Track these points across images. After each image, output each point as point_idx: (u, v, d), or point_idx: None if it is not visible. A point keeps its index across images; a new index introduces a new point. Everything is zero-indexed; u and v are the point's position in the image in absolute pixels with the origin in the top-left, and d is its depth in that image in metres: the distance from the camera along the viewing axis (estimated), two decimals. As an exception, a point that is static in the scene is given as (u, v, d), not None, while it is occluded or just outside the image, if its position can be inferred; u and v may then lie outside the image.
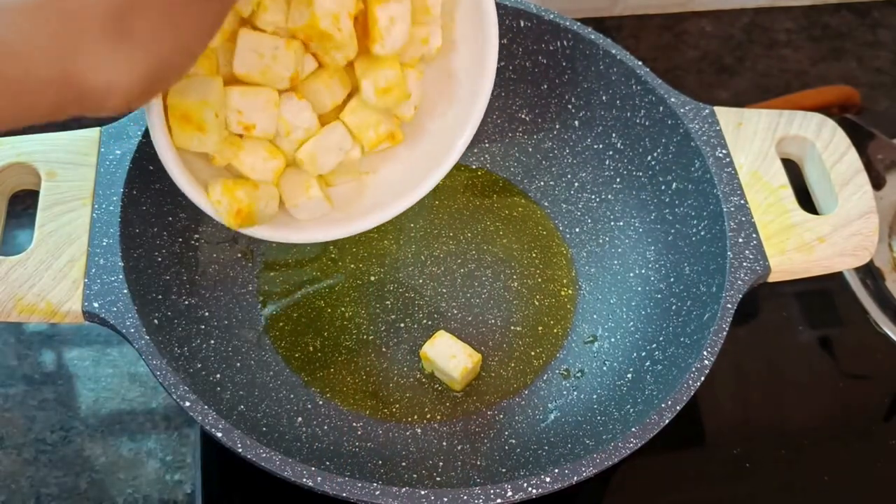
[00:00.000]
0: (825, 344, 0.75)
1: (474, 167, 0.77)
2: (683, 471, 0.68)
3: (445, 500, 0.50)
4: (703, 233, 0.64)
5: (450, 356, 0.64)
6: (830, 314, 0.77)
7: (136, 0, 0.32)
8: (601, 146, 0.73)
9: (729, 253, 0.60)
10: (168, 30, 0.34)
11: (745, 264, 0.60)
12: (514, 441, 0.63)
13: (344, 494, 0.50)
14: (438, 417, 0.64)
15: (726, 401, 0.71)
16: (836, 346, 0.75)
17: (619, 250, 0.71)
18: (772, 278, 0.61)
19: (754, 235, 0.61)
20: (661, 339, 0.64)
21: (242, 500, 0.63)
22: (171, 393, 0.53)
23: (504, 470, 0.60)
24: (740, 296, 0.59)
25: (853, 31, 0.98)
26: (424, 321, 0.69)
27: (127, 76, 0.34)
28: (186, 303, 0.64)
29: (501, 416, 0.64)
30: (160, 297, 0.61)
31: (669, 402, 0.55)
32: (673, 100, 0.66)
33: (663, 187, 0.68)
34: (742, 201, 0.62)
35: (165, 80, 0.37)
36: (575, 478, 0.52)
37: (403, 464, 0.61)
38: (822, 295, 0.77)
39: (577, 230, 0.73)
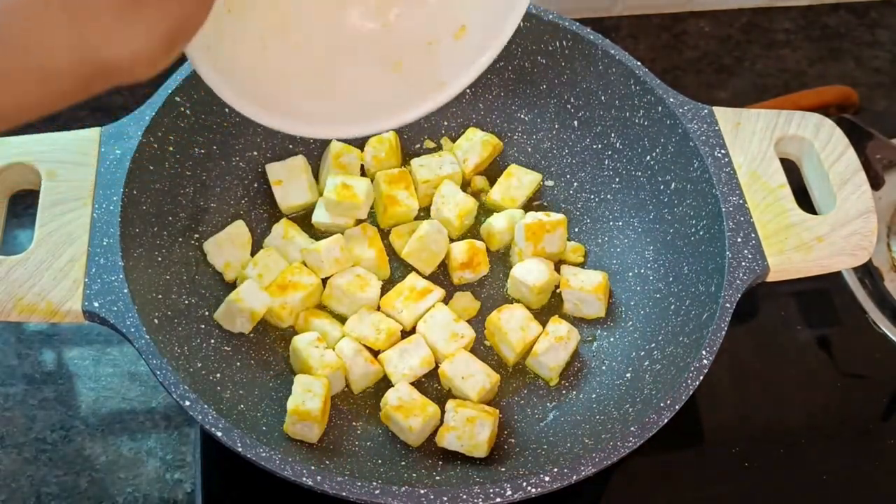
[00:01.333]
0: (823, 343, 0.75)
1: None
2: (682, 470, 0.68)
3: (445, 499, 0.50)
4: (701, 232, 0.64)
5: (467, 375, 0.63)
6: (829, 314, 0.77)
7: None
8: (600, 146, 0.73)
9: (727, 252, 0.60)
10: None
11: (743, 264, 0.60)
12: (513, 440, 0.63)
13: (344, 494, 0.51)
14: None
15: (725, 400, 0.71)
16: (834, 346, 0.75)
17: (618, 250, 0.71)
18: (770, 278, 0.61)
19: (753, 235, 0.61)
20: (659, 338, 0.64)
21: (242, 500, 0.63)
22: (171, 392, 0.53)
23: (503, 469, 0.60)
24: (739, 295, 0.59)
25: (851, 31, 0.98)
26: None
27: (147, 43, 0.34)
28: (186, 302, 0.64)
29: (500, 416, 0.64)
30: (160, 296, 0.61)
31: (668, 402, 0.55)
32: (671, 100, 0.66)
33: (662, 187, 0.69)
34: (741, 201, 0.63)
35: (185, 33, 0.37)
36: (574, 477, 0.52)
37: (403, 463, 0.61)
38: (820, 294, 0.77)
39: (576, 230, 0.73)
